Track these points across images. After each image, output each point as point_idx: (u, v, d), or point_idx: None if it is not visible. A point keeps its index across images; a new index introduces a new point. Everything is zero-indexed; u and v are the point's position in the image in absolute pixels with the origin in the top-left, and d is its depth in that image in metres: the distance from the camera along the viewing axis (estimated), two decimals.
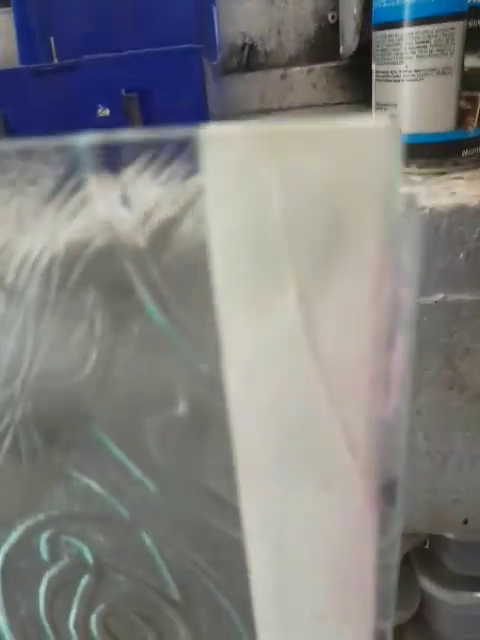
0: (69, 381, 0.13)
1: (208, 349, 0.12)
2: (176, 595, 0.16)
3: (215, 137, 0.10)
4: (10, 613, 0.18)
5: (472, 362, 0.35)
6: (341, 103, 0.69)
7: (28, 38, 0.63)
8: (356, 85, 0.62)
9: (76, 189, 0.12)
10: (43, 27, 0.62)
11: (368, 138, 0.09)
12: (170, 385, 0.13)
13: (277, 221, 0.10)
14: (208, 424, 0.13)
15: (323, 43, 0.63)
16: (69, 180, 0.11)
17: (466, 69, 0.33)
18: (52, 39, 0.61)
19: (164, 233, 0.11)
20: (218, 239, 0.11)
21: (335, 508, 0.13)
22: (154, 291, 0.12)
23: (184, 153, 0.11)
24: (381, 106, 0.38)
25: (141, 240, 0.12)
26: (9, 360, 0.13)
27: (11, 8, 0.61)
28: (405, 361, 0.11)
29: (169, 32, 0.60)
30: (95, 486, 0.15)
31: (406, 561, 0.56)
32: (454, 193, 0.33)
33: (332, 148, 0.10)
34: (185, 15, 0.60)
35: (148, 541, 0.15)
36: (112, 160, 0.11)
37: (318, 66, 0.64)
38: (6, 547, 0.16)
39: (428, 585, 0.54)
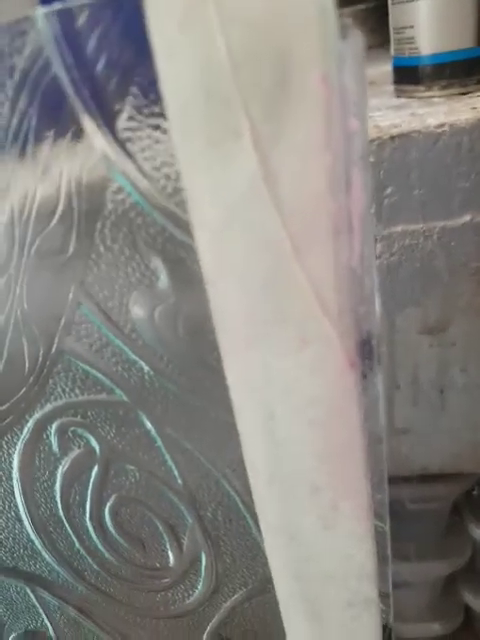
0: (55, 262, 0.14)
1: (181, 218, 0.13)
2: (179, 481, 0.17)
3: None
4: (32, 514, 0.19)
5: None
6: (371, 47, 0.67)
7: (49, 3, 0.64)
8: (387, 25, 0.61)
9: (45, 69, 0.12)
10: None
11: None
12: (149, 257, 0.13)
13: (223, 64, 0.10)
14: (190, 293, 0.13)
15: None
16: (38, 59, 0.12)
17: None
18: None
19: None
20: (171, 93, 0.11)
21: (315, 367, 0.13)
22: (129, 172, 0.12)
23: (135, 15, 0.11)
24: (399, 30, 0.37)
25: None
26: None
27: None
28: (363, 199, 0.11)
29: None
30: (93, 371, 0.15)
31: (456, 510, 0.55)
32: (475, 108, 0.32)
33: None
34: None
35: (148, 424, 0.16)
36: (68, 32, 0.11)
37: (346, 10, 0.62)
38: (21, 444, 0.17)
39: (478, 533, 0.53)
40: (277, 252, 0.12)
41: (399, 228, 0.34)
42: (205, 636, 0.20)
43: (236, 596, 0.19)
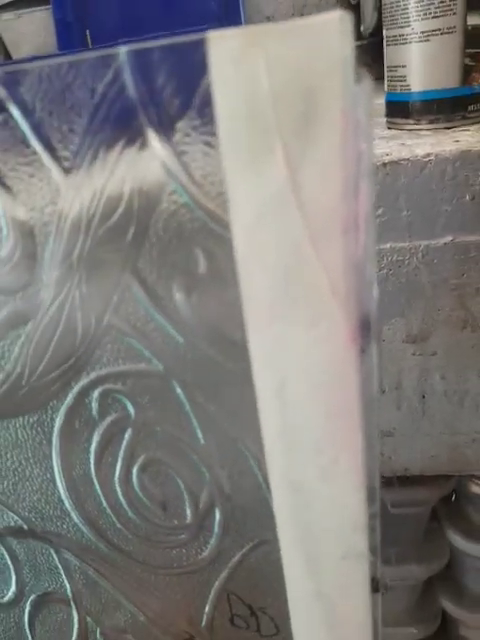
0: (113, 249, 0.17)
1: (220, 216, 0.16)
2: (202, 442, 0.19)
3: (218, 36, 0.14)
4: (66, 474, 0.22)
5: None
6: None
7: (66, 31, 0.68)
8: (380, 62, 0.66)
9: (121, 92, 0.15)
10: (79, 21, 0.67)
11: (326, 27, 0.13)
12: (192, 248, 0.16)
13: (265, 97, 0.14)
14: (223, 278, 0.16)
15: None
16: (114, 85, 0.15)
17: (469, 27, 0.36)
18: (88, 31, 0.66)
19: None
20: (222, 116, 0.14)
21: (323, 341, 0.16)
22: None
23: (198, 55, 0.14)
24: (392, 68, 0.41)
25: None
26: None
27: (50, 5, 0.67)
28: (367, 205, 0.14)
29: (197, 21, 0.64)
30: (135, 343, 0.18)
31: (434, 516, 0.58)
32: (458, 141, 0.36)
33: (301, 37, 0.13)
34: (213, 4, 0.64)
35: (178, 390, 0.19)
36: (145, 65, 0.15)
37: None
38: (64, 408, 0.20)
39: (456, 539, 0.56)
40: (298, 245, 0.15)
41: (388, 245, 0.37)
42: (213, 592, 0.23)
43: (243, 550, 0.22)
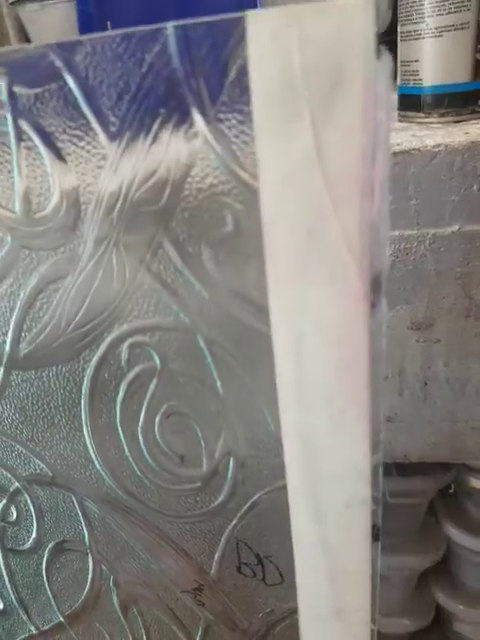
0: (149, 210, 0.18)
1: (249, 182, 0.18)
2: (221, 392, 0.21)
3: (255, 15, 0.15)
4: (93, 424, 0.23)
5: None
6: None
7: (88, 22, 0.69)
8: (394, 58, 0.67)
9: (167, 62, 0.17)
10: (101, 12, 0.69)
11: (353, 8, 0.14)
12: (222, 209, 0.18)
13: (296, 70, 0.15)
14: (247, 239, 0.18)
15: None
16: (163, 56, 0.17)
17: None
18: (109, 23, 0.68)
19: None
20: (257, 86, 0.16)
21: (338, 298, 0.18)
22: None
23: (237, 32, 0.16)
24: (405, 63, 0.42)
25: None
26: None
27: None
28: (384, 171, 0.16)
29: (214, 13, 0.65)
30: (164, 297, 0.20)
31: (431, 510, 0.59)
32: (468, 133, 0.37)
33: (331, 16, 0.15)
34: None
35: (201, 343, 0.20)
36: (190, 39, 0.16)
37: None
38: (96, 359, 0.22)
39: (453, 532, 0.57)
40: (320, 206, 0.17)
41: (396, 233, 0.39)
42: (223, 539, 0.25)
43: (254, 498, 0.23)
